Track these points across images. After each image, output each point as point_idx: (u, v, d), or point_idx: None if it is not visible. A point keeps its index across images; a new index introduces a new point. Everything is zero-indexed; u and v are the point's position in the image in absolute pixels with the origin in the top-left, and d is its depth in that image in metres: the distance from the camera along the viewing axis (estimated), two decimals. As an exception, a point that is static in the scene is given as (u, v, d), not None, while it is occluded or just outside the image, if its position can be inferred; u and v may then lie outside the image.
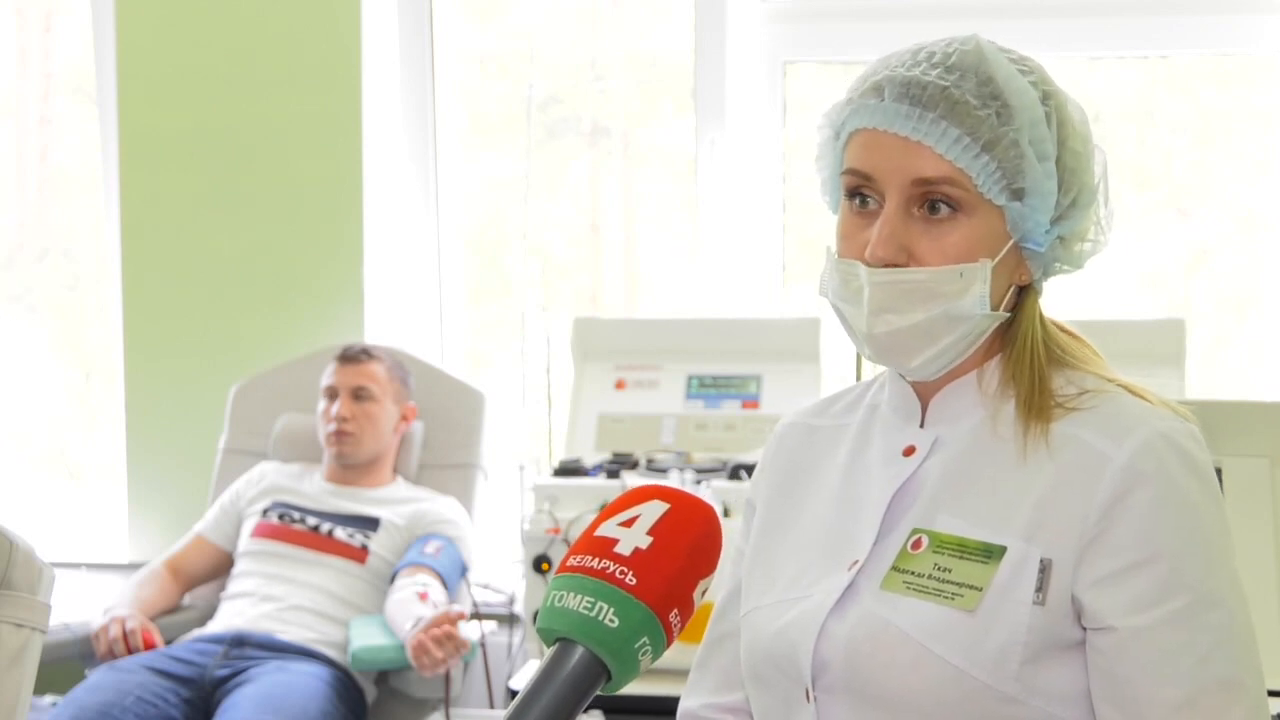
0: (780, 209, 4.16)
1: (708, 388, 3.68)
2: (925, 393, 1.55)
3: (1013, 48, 1.53)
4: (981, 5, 3.94)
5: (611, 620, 1.11)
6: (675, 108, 4.36)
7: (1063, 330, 1.56)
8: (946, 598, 1.44)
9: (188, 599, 3.74)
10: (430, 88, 4.29)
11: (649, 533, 1.15)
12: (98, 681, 3.28)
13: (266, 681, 3.28)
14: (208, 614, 3.65)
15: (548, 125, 4.47)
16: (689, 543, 1.16)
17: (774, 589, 1.56)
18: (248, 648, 3.41)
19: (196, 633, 3.52)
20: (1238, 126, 4.08)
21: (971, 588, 1.43)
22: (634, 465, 3.46)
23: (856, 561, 1.50)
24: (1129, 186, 4.13)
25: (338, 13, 4.11)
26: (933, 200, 1.45)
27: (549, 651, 1.13)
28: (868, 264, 1.46)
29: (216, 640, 3.43)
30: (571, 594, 1.13)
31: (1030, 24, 3.97)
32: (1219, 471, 2.26)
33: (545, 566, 3.24)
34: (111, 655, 3.40)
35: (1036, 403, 1.48)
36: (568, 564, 1.15)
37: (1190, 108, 4.15)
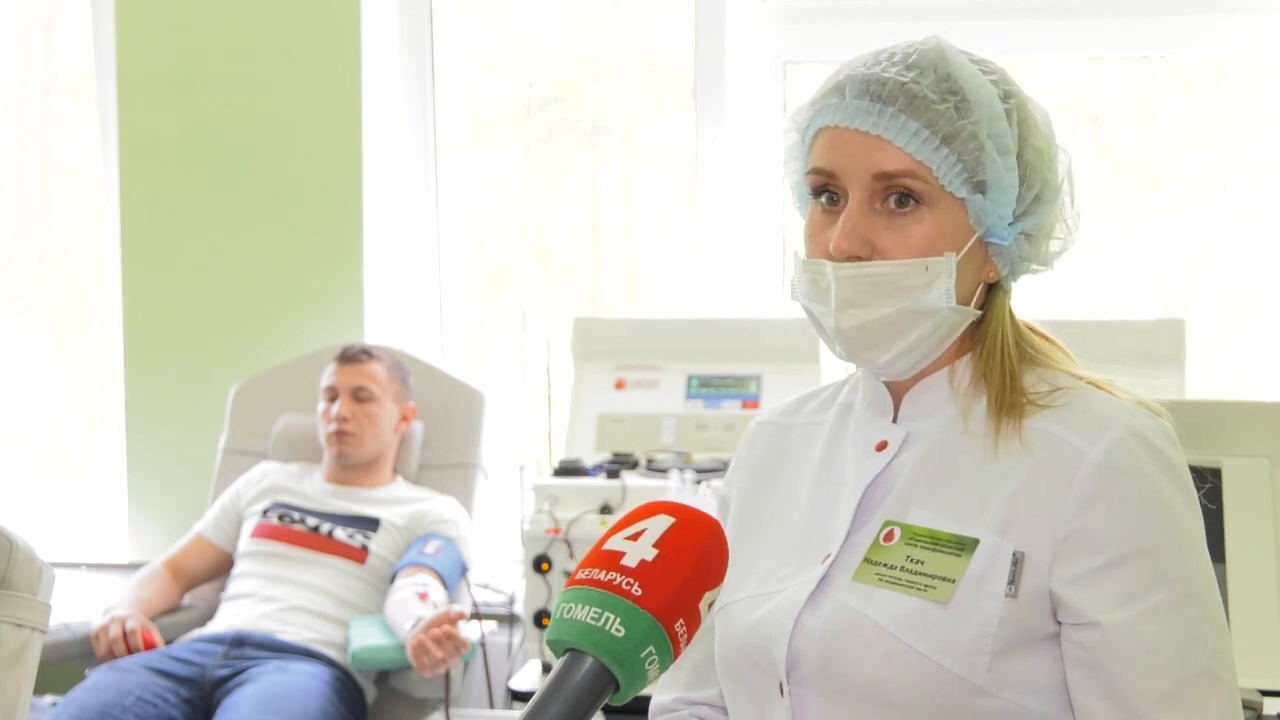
0: (781, 209, 4.16)
1: (708, 388, 3.68)
2: (898, 389, 1.56)
3: (991, 48, 1.56)
4: (981, 6, 3.94)
5: (618, 630, 1.13)
6: (675, 107, 4.36)
7: (1033, 331, 1.57)
8: (919, 589, 1.45)
9: (188, 599, 3.75)
10: (430, 87, 4.29)
11: (654, 545, 1.17)
12: (98, 681, 3.28)
13: (266, 681, 3.28)
14: (208, 614, 3.65)
15: (548, 125, 4.47)
16: (694, 555, 1.18)
17: (748, 584, 1.57)
18: (248, 648, 3.41)
19: (196, 633, 3.52)
20: (1238, 126, 4.07)
21: (944, 579, 1.44)
22: (634, 465, 3.46)
23: (829, 555, 1.52)
24: (1130, 186, 4.13)
25: (338, 13, 4.11)
26: (895, 194, 1.47)
27: (558, 662, 1.14)
28: (833, 259, 1.48)
29: (216, 640, 3.44)
30: (579, 605, 1.15)
31: (1031, 24, 3.96)
32: (1219, 472, 2.27)
33: (545, 566, 3.24)
34: (111, 655, 3.40)
35: (1008, 399, 1.50)
36: (576, 577, 1.18)
37: (1190, 108, 4.15)
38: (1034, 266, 1.54)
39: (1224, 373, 4.09)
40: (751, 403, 3.64)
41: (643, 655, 1.13)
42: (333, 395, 3.69)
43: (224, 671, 3.35)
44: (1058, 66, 4.08)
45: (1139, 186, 4.15)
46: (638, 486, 3.29)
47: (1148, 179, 4.17)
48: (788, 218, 4.18)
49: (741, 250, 4.13)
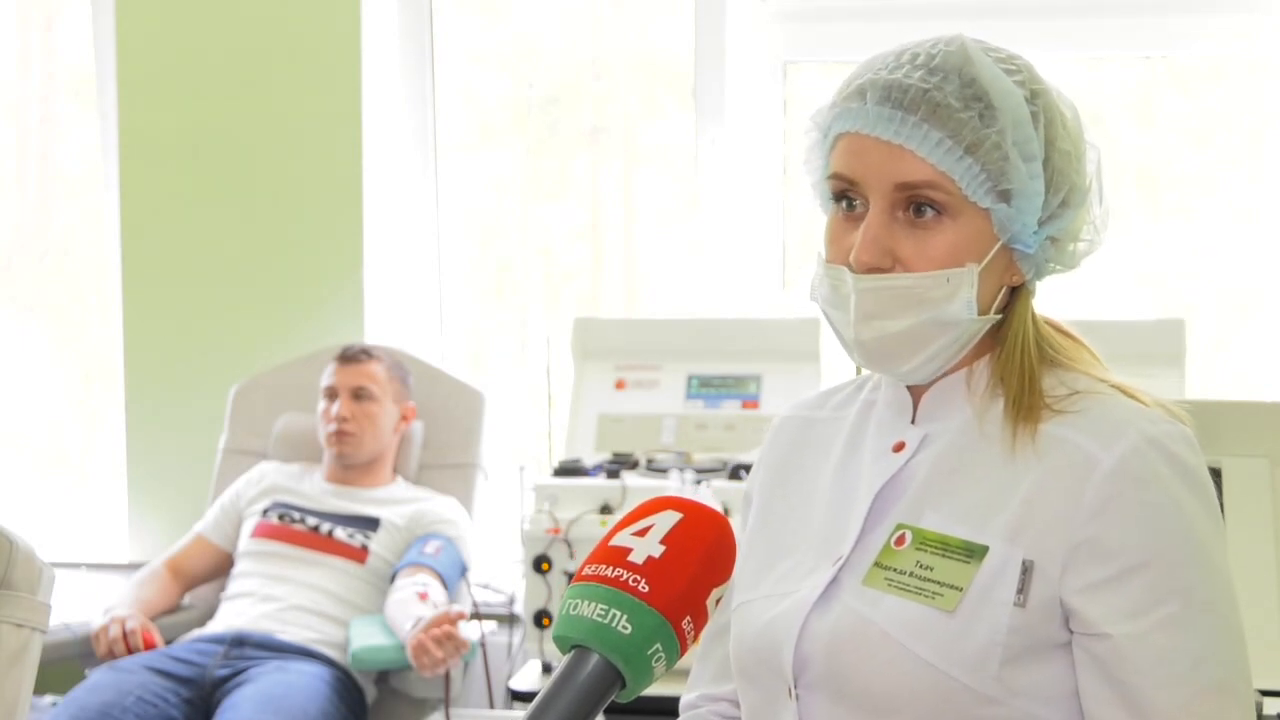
0: (780, 209, 4.16)
1: (708, 388, 3.68)
2: (917, 390, 1.54)
3: (1005, 46, 1.51)
4: (982, 5, 3.94)
5: (624, 627, 1.12)
6: (675, 107, 4.36)
7: (1059, 330, 1.55)
8: (927, 596, 1.43)
9: (188, 599, 3.75)
10: (430, 87, 4.29)
11: (662, 541, 1.16)
12: (98, 681, 3.28)
13: (266, 681, 3.28)
14: (208, 614, 3.65)
15: (548, 125, 4.47)
16: (701, 551, 1.17)
17: (763, 583, 1.55)
18: (248, 648, 3.41)
19: (196, 633, 3.52)
20: (1238, 126, 4.07)
21: (952, 587, 1.42)
22: (634, 465, 3.46)
23: (840, 557, 1.50)
24: (1129, 186, 4.13)
25: (338, 13, 4.11)
26: (917, 204, 1.44)
27: (564, 659, 1.14)
28: (853, 270, 1.45)
29: (216, 640, 3.44)
30: (586, 602, 1.14)
31: (1031, 24, 3.97)
32: (1219, 472, 2.27)
33: (545, 566, 3.24)
34: (111, 655, 3.40)
35: (1026, 403, 1.47)
36: (583, 573, 1.17)
37: (1190, 108, 4.15)
38: (1058, 267, 1.51)
39: (1224, 373, 4.09)
40: (751, 403, 3.64)
41: (650, 652, 1.13)
42: (332, 395, 3.69)
43: (224, 671, 3.35)
44: (1058, 66, 4.08)
45: (1139, 186, 4.15)
46: (638, 486, 3.29)
47: (1148, 179, 4.16)
48: (788, 218, 4.18)
49: (741, 250, 4.13)
